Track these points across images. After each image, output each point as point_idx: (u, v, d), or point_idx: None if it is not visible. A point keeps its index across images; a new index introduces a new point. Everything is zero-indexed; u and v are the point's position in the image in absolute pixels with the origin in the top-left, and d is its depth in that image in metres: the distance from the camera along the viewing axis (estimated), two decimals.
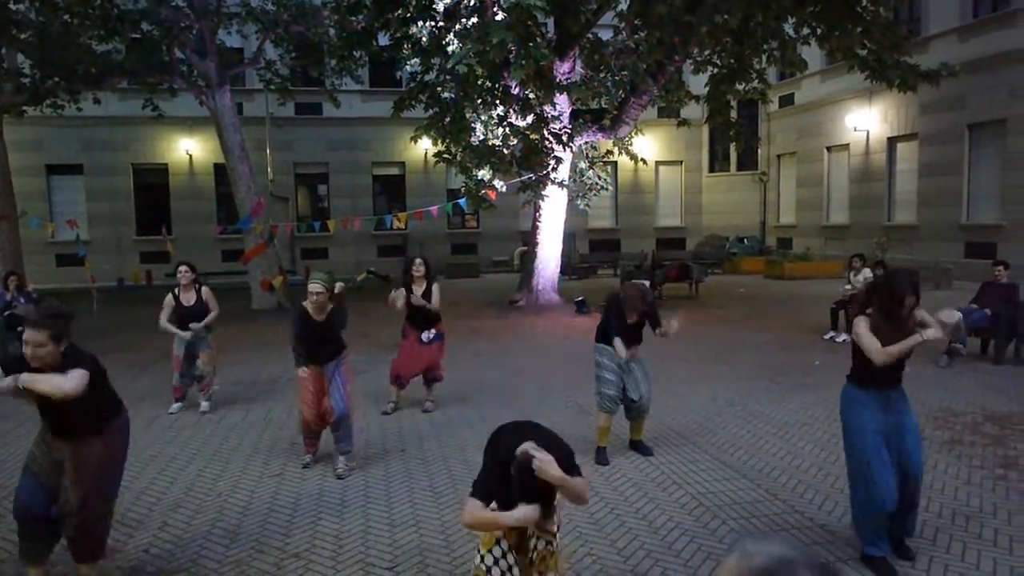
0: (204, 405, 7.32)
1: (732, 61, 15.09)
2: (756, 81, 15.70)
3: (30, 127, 18.55)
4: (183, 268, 7.26)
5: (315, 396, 5.53)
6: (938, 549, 4.08)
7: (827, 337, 10.69)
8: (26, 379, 3.33)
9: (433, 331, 7.08)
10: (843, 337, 10.56)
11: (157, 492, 5.20)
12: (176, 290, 7.25)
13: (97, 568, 3.78)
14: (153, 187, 22.93)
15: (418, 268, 7.05)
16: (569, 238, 17.92)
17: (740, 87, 15.66)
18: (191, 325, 7.19)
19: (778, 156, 24.70)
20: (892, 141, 19.61)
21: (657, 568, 3.94)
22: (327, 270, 5.77)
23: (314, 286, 5.43)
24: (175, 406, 7.31)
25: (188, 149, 22.68)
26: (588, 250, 24.41)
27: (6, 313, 10.24)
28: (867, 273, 10.60)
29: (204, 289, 7.34)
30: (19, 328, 10.09)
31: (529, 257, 15.65)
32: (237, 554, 4.21)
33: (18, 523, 3.65)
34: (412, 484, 5.26)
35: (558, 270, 15.56)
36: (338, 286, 5.59)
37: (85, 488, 3.57)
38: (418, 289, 7.02)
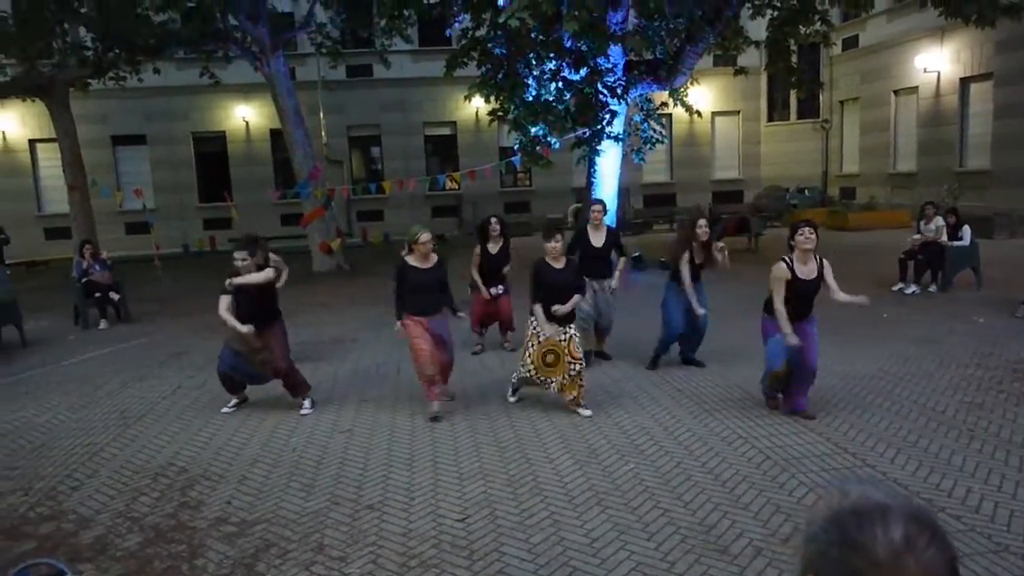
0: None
1: (794, 2, 14.44)
2: (819, 23, 15.00)
3: (95, 100, 19.07)
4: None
5: (431, 349, 5.73)
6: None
7: (896, 289, 10.30)
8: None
9: (501, 287, 7.81)
10: (912, 288, 10.19)
11: (235, 448, 5.42)
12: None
13: (308, 395, 6.19)
14: (212, 155, 23.41)
15: (494, 227, 7.79)
16: (623, 193, 17.63)
17: (802, 30, 14.99)
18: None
19: (841, 102, 23.69)
20: (965, 82, 18.56)
21: (726, 520, 3.94)
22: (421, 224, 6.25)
23: (425, 235, 5.76)
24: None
25: (244, 116, 23.04)
26: (643, 205, 24.03)
27: (83, 280, 10.72)
28: (939, 221, 10.17)
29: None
30: (96, 294, 10.63)
31: (584, 214, 15.49)
32: (314, 506, 4.38)
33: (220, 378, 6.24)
34: (478, 439, 5.36)
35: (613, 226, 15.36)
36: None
37: (277, 354, 6.04)
38: (494, 246, 7.78)
